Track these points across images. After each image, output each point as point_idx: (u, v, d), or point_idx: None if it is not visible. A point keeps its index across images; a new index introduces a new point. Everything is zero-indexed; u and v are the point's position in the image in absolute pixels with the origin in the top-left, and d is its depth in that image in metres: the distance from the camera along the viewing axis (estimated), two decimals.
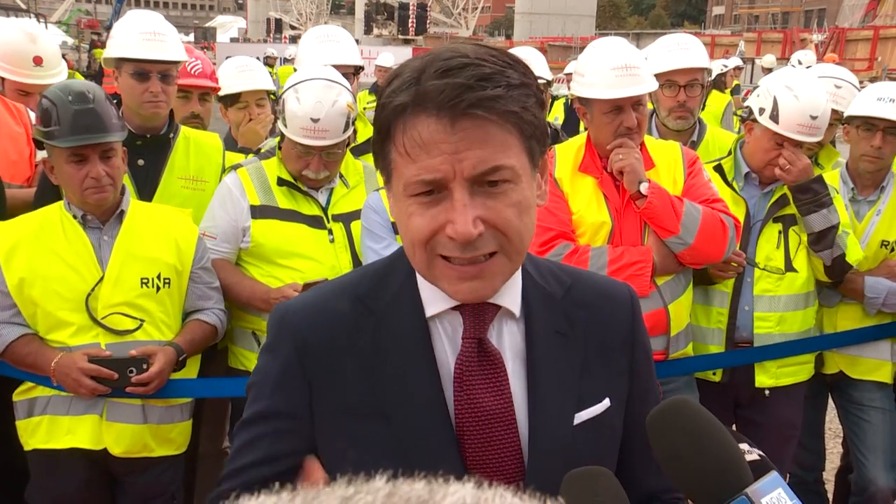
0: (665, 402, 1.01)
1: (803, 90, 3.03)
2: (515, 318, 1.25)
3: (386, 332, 1.23)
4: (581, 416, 1.24)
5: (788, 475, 3.81)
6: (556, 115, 8.43)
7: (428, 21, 52.99)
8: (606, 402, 1.27)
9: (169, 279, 2.74)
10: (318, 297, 1.31)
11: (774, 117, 3.04)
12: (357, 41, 4.34)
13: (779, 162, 3.08)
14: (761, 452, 1.13)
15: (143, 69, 3.10)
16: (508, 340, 1.24)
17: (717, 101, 7.26)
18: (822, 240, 3.08)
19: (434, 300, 1.22)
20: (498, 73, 1.07)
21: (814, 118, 3.00)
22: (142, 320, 2.69)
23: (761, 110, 3.10)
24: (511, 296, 1.23)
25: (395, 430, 1.19)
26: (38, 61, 3.87)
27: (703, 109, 3.93)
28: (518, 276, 1.25)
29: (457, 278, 1.13)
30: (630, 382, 1.32)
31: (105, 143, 2.60)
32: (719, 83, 9.35)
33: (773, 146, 3.08)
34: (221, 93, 4.15)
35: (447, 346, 1.23)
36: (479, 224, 1.08)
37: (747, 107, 3.23)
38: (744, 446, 1.07)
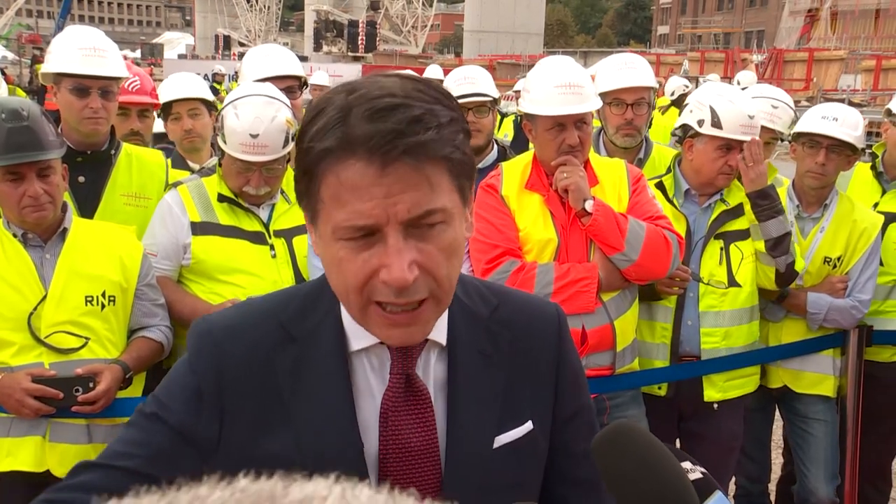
0: (609, 426, 1.00)
1: (734, 95, 3.24)
2: (442, 347, 1.23)
3: (306, 364, 1.20)
4: (501, 440, 1.23)
5: (735, 486, 3.90)
6: (505, 133, 8.51)
7: (377, 38, 53.09)
8: (529, 425, 1.26)
9: (114, 297, 2.71)
10: (243, 317, 1.26)
11: (717, 124, 3.14)
12: (306, 58, 4.35)
13: (738, 161, 3.17)
14: (704, 470, 1.14)
15: (82, 85, 3.06)
16: (434, 371, 1.23)
17: (674, 117, 7.44)
18: (780, 245, 3.16)
19: (361, 335, 1.19)
20: (427, 112, 1.04)
21: (751, 117, 3.17)
22: (86, 338, 2.64)
23: (700, 122, 3.19)
24: (438, 328, 1.21)
25: (309, 469, 1.17)
26: None
27: (650, 127, 4.01)
28: None
29: (389, 325, 1.11)
30: (556, 404, 1.30)
31: (42, 161, 2.56)
32: (680, 102, 9.53)
33: (721, 154, 3.17)
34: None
35: (373, 380, 1.21)
36: (413, 269, 1.05)
37: (682, 125, 3.32)
38: (686, 465, 1.07)
